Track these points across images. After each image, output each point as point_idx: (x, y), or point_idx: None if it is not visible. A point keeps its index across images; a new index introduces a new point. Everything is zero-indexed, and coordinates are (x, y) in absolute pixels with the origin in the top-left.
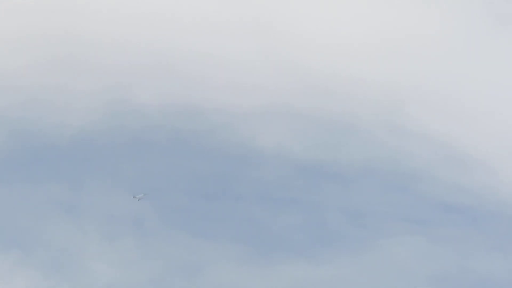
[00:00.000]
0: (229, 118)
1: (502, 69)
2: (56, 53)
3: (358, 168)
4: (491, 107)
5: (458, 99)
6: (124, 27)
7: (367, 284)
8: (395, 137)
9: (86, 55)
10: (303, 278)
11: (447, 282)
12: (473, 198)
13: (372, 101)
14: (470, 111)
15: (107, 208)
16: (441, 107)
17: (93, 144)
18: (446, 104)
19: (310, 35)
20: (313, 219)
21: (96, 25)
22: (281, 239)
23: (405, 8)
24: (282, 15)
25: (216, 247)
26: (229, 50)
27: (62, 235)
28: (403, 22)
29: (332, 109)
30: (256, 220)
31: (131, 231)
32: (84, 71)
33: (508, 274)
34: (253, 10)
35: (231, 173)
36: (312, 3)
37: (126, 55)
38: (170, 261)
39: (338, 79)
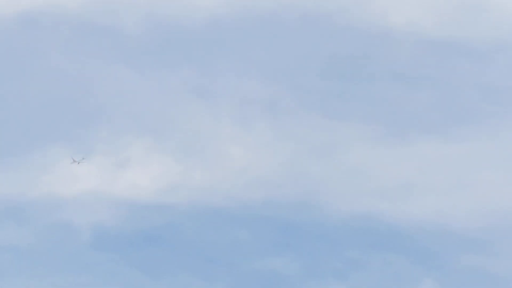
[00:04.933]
0: None
1: None
2: None
3: (491, 44)
4: None
5: None
6: None
7: (502, 161)
8: None
9: None
10: (438, 156)
11: None
12: None
13: None
14: None
15: (240, 91)
16: None
17: (225, 27)
18: None
19: None
20: (447, 96)
21: None
22: (415, 117)
23: None
24: None
25: (350, 127)
26: None
27: (195, 119)
28: None
29: None
30: (390, 99)
31: (264, 113)
32: None
33: None
34: None
35: (364, 52)
36: None
37: None
38: (304, 143)
39: None
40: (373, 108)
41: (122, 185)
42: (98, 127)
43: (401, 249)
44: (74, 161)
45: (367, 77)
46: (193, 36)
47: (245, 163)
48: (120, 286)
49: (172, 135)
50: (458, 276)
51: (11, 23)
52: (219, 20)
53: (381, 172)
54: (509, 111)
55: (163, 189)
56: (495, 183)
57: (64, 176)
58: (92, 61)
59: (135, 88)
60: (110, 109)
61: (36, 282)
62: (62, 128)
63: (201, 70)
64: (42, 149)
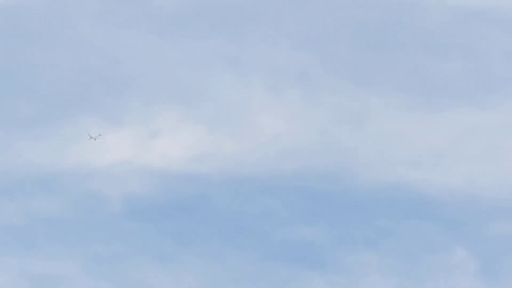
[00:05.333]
0: None
1: None
2: None
3: None
4: None
5: None
6: None
7: None
8: None
9: None
10: (468, 124)
11: None
12: None
13: None
14: None
15: (271, 60)
16: None
17: None
18: None
19: None
20: (478, 64)
21: None
22: (446, 85)
23: None
24: None
25: (381, 96)
26: None
27: (227, 88)
28: None
29: None
30: (421, 68)
31: (295, 82)
32: None
33: None
34: None
35: (395, 20)
36: None
37: None
38: (335, 112)
39: None
40: (404, 77)
41: (153, 155)
42: (129, 97)
43: (431, 218)
44: (91, 137)
45: (399, 45)
46: (224, 5)
47: (276, 132)
48: (151, 256)
49: (203, 105)
50: (488, 244)
51: None
52: None
53: (412, 140)
54: None
55: (194, 158)
56: None
57: (95, 146)
58: (123, 31)
59: (166, 57)
60: (141, 79)
61: (68, 253)
62: (93, 98)
63: (232, 39)
64: (73, 119)
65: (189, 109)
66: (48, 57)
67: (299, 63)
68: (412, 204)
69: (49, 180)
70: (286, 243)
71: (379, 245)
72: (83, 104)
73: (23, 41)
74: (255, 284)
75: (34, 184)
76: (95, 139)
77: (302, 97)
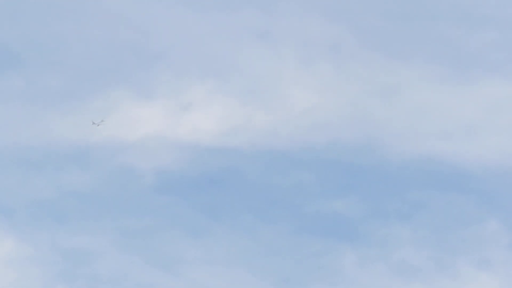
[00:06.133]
0: None
1: None
2: None
3: None
4: None
5: None
6: None
7: None
8: None
9: None
10: (502, 96)
11: None
12: None
13: None
14: None
15: (303, 32)
16: None
17: None
18: None
19: None
20: (510, 35)
21: None
22: (478, 57)
23: None
24: None
25: (413, 68)
26: None
27: (258, 61)
28: None
29: None
30: (453, 39)
31: (327, 55)
32: None
33: None
34: None
35: None
36: None
37: None
38: (367, 84)
39: None
40: (436, 48)
41: (185, 128)
42: (160, 70)
43: (464, 190)
44: (94, 123)
45: (431, 16)
46: None
47: (308, 105)
48: (183, 230)
49: (235, 78)
50: None
51: None
52: None
53: (444, 112)
54: None
55: (226, 131)
56: None
57: (127, 119)
58: (154, 4)
59: (197, 30)
60: (172, 52)
61: (99, 227)
62: (124, 72)
63: (264, 12)
64: (104, 93)
65: (221, 82)
66: (79, 30)
67: (330, 35)
68: (444, 177)
69: (81, 154)
70: (318, 216)
71: (412, 218)
72: (114, 77)
73: (54, 14)
74: (287, 257)
75: (66, 158)
76: (98, 125)
77: (333, 70)
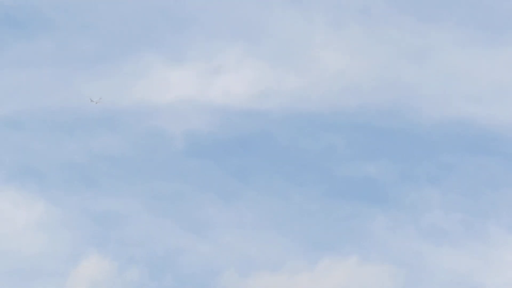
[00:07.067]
0: None
1: None
2: None
3: None
4: None
5: None
6: None
7: None
8: None
9: None
10: None
11: None
12: None
13: None
14: None
15: None
16: None
17: None
18: None
19: None
20: None
21: None
22: (509, 19)
23: None
24: None
25: (444, 30)
26: None
27: (289, 24)
28: None
29: None
30: (484, 2)
31: (358, 17)
32: None
33: None
34: None
35: None
36: None
37: None
38: (398, 47)
39: None
40: (467, 11)
41: (215, 92)
42: (192, 33)
43: (494, 153)
44: (92, 101)
45: None
46: None
47: (338, 68)
48: (213, 193)
49: (266, 41)
50: None
51: None
52: None
53: (475, 75)
54: None
55: (257, 95)
56: None
57: (157, 83)
58: None
59: None
60: (204, 15)
61: (130, 190)
62: (155, 35)
63: None
64: (135, 56)
65: (252, 45)
66: None
67: None
68: (474, 140)
69: (111, 117)
70: (348, 180)
71: (442, 180)
72: (145, 41)
73: None
74: (317, 220)
75: (97, 122)
76: (96, 103)
77: (364, 33)
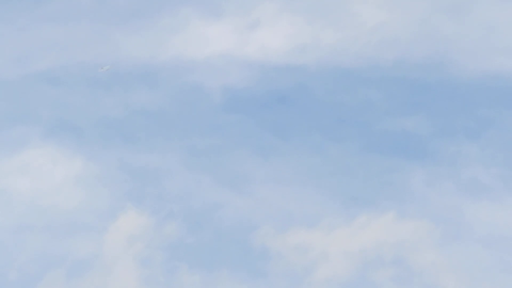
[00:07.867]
0: None
1: None
2: None
3: None
4: None
5: None
6: None
7: None
8: None
9: None
10: None
11: None
12: None
13: None
14: None
15: None
16: None
17: None
18: None
19: None
20: None
21: None
22: None
23: None
24: None
25: None
26: None
27: None
28: None
29: None
30: None
31: None
32: None
33: None
34: None
35: None
36: None
37: None
38: (437, 0)
39: None
40: None
41: (253, 47)
42: None
43: None
44: (102, 68)
45: None
46: None
47: (376, 22)
48: (250, 148)
49: None
50: None
51: None
52: None
53: None
54: None
55: (294, 50)
56: None
57: (195, 38)
58: None
59: None
60: None
61: (167, 145)
62: None
63: None
64: (172, 11)
65: (288, 0)
66: None
67: None
68: None
69: (148, 72)
70: (386, 134)
71: (481, 135)
72: None
73: None
74: (355, 175)
75: (134, 77)
76: (105, 70)
77: None
